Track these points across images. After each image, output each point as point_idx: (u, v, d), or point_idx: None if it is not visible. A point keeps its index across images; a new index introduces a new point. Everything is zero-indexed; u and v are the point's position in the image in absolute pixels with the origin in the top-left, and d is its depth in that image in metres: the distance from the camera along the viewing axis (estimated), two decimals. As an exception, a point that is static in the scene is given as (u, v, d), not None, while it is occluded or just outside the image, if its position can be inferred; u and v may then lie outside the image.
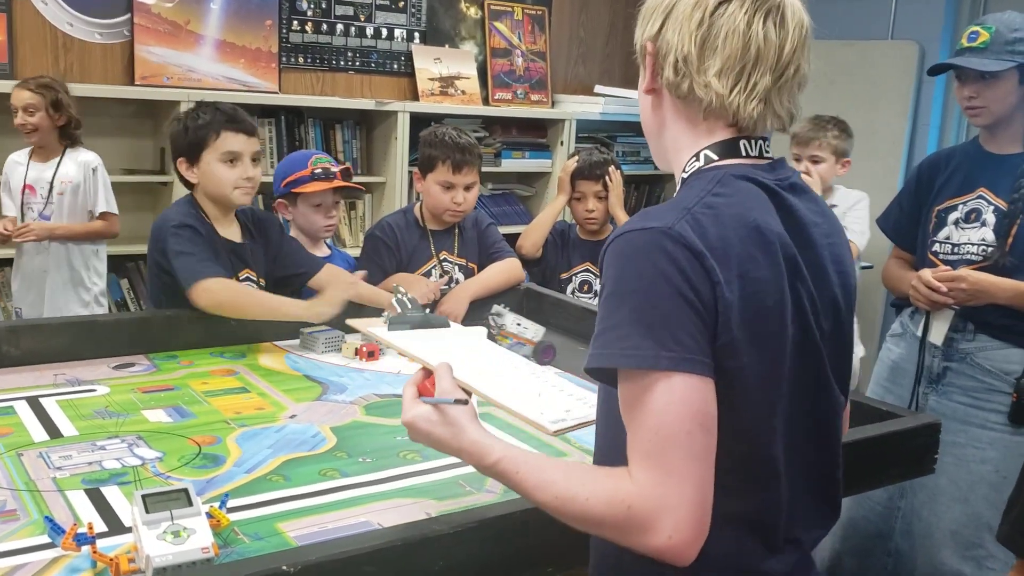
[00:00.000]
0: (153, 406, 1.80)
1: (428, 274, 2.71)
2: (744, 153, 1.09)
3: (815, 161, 3.23)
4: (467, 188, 2.68)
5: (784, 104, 1.08)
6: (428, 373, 1.20)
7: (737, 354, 0.97)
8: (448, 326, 1.52)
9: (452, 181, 2.65)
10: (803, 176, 3.24)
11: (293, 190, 2.60)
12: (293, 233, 2.71)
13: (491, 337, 2.23)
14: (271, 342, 2.28)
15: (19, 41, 3.57)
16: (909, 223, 2.49)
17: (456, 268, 2.74)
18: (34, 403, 1.78)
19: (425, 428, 1.12)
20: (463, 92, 4.57)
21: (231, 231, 2.34)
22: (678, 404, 0.93)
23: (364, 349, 2.19)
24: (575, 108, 4.77)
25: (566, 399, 1.27)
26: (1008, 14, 2.27)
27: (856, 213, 3.27)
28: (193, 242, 2.18)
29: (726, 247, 0.98)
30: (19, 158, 3.38)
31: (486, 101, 4.67)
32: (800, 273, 1.04)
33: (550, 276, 3.13)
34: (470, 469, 1.13)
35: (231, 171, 2.25)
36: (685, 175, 1.10)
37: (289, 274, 2.42)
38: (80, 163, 3.34)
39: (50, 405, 1.77)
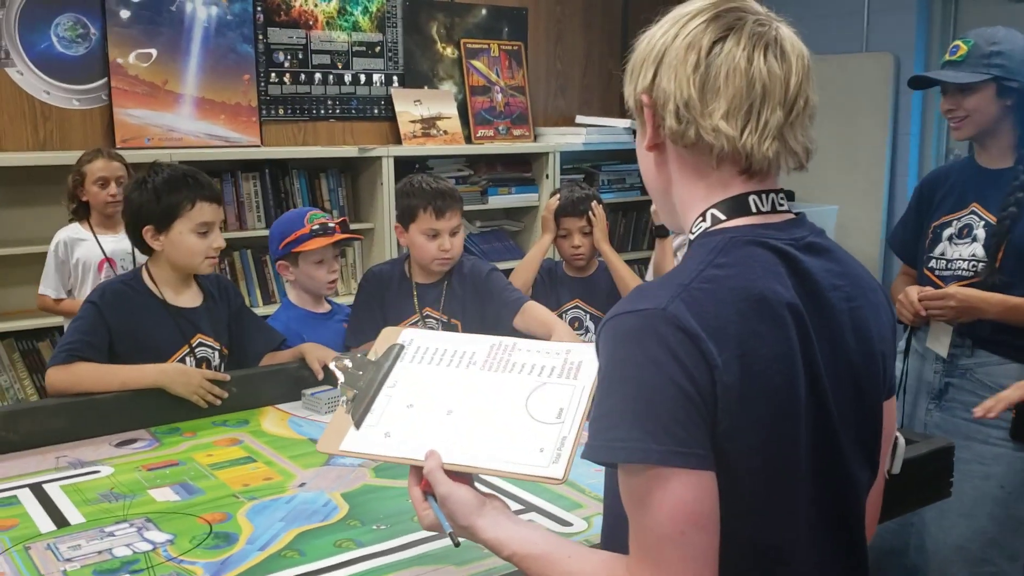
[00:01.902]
0: (159, 484, 1.77)
1: None
2: (755, 210, 1.02)
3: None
4: (452, 233, 2.59)
5: (799, 139, 1.02)
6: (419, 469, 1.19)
7: (741, 437, 0.92)
8: (401, 350, 1.41)
9: (436, 228, 2.56)
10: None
11: (294, 249, 2.57)
12: (296, 293, 2.69)
13: None
14: (273, 406, 2.26)
15: (-3, 113, 3.56)
16: (913, 240, 2.51)
17: (439, 325, 2.64)
18: (37, 490, 1.74)
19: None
20: (445, 132, 4.57)
21: (186, 297, 2.30)
22: (670, 502, 0.89)
23: (368, 407, 2.16)
24: (558, 140, 4.78)
25: (554, 390, 1.24)
26: (991, 29, 2.30)
27: None
28: (83, 320, 2.17)
29: (725, 325, 0.92)
30: (78, 233, 3.29)
31: (469, 139, 4.67)
32: (812, 343, 0.98)
33: None
34: None
35: (202, 241, 2.23)
36: (692, 236, 1.05)
37: (243, 348, 2.39)
38: None
39: (54, 491, 1.74)
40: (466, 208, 4.37)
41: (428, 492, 1.17)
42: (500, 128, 4.81)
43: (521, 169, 4.71)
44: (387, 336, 1.44)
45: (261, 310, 3.91)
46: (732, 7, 1.02)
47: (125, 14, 3.76)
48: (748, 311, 0.93)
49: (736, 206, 1.03)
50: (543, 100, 5.04)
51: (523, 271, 3.09)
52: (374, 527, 1.56)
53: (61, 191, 3.54)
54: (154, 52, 3.83)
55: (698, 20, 1.02)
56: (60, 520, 1.61)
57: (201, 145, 3.91)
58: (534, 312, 2.49)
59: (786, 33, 1.03)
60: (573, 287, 3.11)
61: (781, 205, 1.05)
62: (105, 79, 3.75)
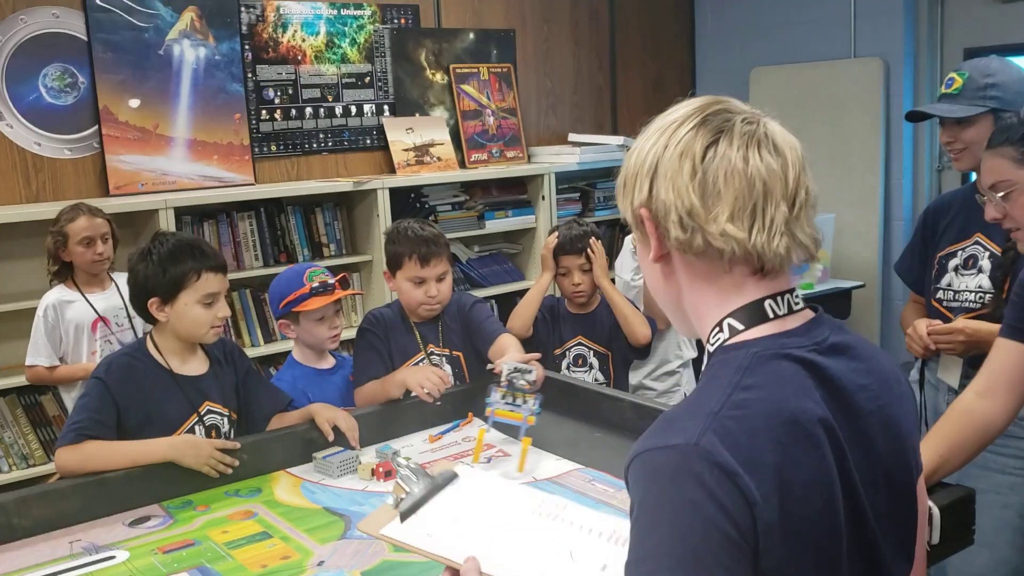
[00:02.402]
0: (177, 570, 1.76)
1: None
2: (772, 315, 1.01)
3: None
4: (439, 279, 2.60)
5: (806, 231, 1.00)
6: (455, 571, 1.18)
7: (785, 571, 0.89)
8: (455, 476, 1.46)
9: (422, 275, 2.58)
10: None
11: (294, 309, 2.56)
12: (299, 349, 2.68)
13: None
14: (284, 470, 2.24)
15: (-12, 168, 3.53)
16: (920, 269, 2.50)
17: (443, 360, 2.66)
18: (53, 583, 1.73)
19: None
20: (439, 159, 4.56)
21: (192, 364, 2.28)
22: None
23: (380, 469, 2.15)
24: (552, 159, 4.77)
25: (601, 548, 1.23)
26: (985, 60, 2.29)
27: None
28: (90, 397, 2.15)
29: (760, 456, 0.88)
30: (66, 295, 3.20)
31: (462, 164, 4.66)
32: (845, 455, 0.96)
33: (543, 353, 3.09)
34: None
35: (208, 312, 2.20)
36: (711, 348, 1.03)
37: (251, 412, 2.38)
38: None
39: (71, 583, 1.73)
40: (463, 234, 4.41)
41: None
42: (493, 151, 4.80)
43: (517, 191, 4.69)
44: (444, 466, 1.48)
45: (263, 349, 3.90)
46: (718, 109, 1.02)
47: (113, 60, 3.73)
48: (783, 437, 0.90)
49: (753, 314, 1.01)
50: (535, 120, 5.03)
51: (524, 310, 3.09)
52: (397, 613, 1.54)
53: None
54: (142, 98, 3.81)
55: (687, 127, 1.00)
56: (79, 618, 1.59)
57: (195, 187, 3.89)
58: (499, 342, 2.56)
59: (775, 128, 1.02)
60: (575, 324, 3.10)
61: (797, 305, 1.03)
62: (96, 127, 3.73)
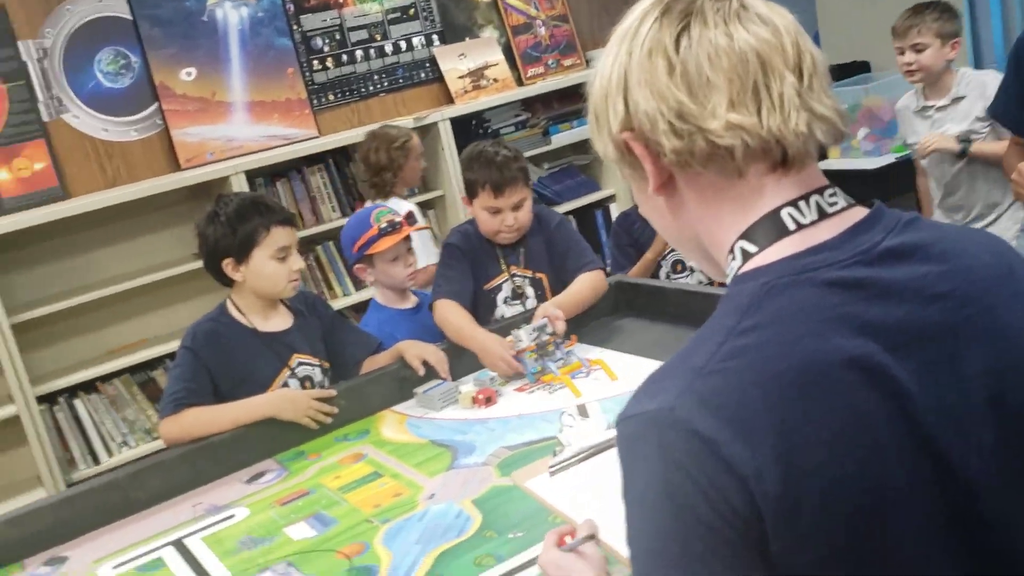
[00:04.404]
0: (294, 520, 1.80)
1: (499, 288, 2.61)
2: (793, 227, 0.80)
3: (918, 50, 3.08)
4: (515, 208, 2.51)
5: (825, 102, 0.81)
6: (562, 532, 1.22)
7: (807, 550, 0.72)
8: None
9: (496, 205, 2.50)
10: (906, 73, 3.14)
11: (366, 252, 2.56)
12: (380, 292, 2.69)
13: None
14: (389, 409, 2.27)
15: (63, 161, 3.61)
16: (1018, 107, 2.33)
17: (526, 282, 2.61)
18: (180, 547, 1.79)
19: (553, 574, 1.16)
20: (495, 80, 4.48)
21: (276, 320, 2.31)
22: None
23: (481, 396, 2.16)
24: (611, 62, 4.63)
25: None
26: None
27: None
28: (183, 368, 2.19)
29: (753, 417, 0.71)
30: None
31: (520, 81, 4.57)
32: (906, 396, 0.75)
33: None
34: None
35: (283, 266, 2.22)
36: (728, 279, 0.84)
37: (342, 358, 2.40)
38: None
39: (195, 545, 1.78)
40: (530, 152, 4.34)
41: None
42: (550, 62, 4.69)
43: (579, 100, 4.55)
44: None
45: (353, 298, 3.95)
46: None
47: (160, 35, 3.75)
48: (788, 389, 0.72)
49: (769, 229, 0.81)
50: (588, 22, 4.89)
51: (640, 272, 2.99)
52: (511, 535, 1.55)
53: (140, 225, 3.62)
54: (195, 67, 3.83)
55: (647, 23, 0.84)
56: (207, 578, 1.65)
57: (262, 148, 3.92)
58: (579, 280, 2.51)
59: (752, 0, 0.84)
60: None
61: (833, 205, 0.82)
62: (156, 104, 3.77)
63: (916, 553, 0.75)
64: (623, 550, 0.80)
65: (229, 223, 2.21)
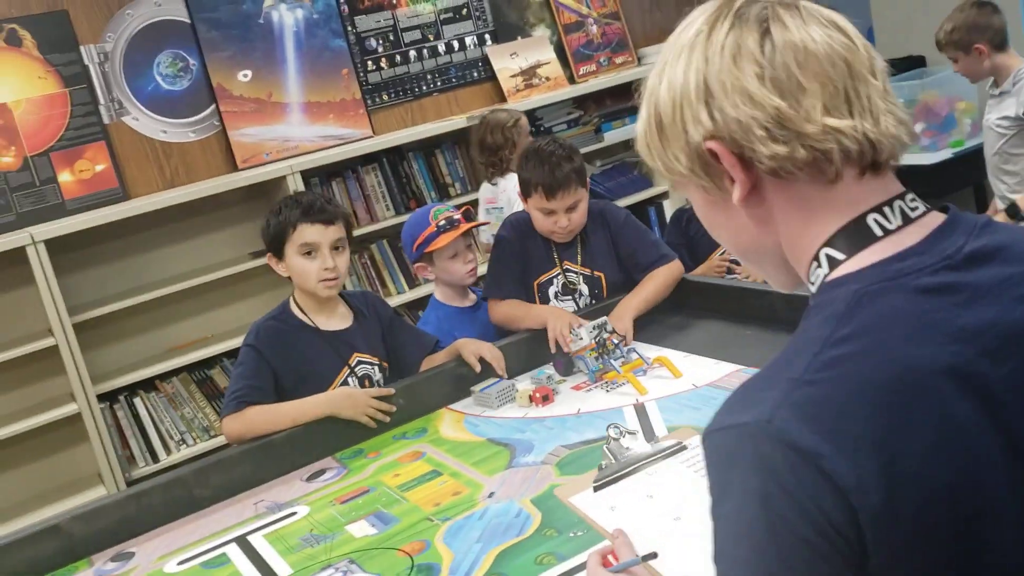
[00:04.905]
0: (355, 517, 1.81)
1: (550, 283, 2.59)
2: (880, 231, 0.79)
3: (955, 60, 3.18)
4: (569, 209, 2.48)
5: (899, 105, 0.81)
6: (608, 550, 1.24)
7: (906, 563, 0.71)
8: (685, 449, 1.57)
9: (549, 207, 2.48)
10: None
11: (426, 250, 2.56)
12: (440, 290, 2.69)
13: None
14: (446, 407, 2.27)
15: (124, 163, 3.68)
16: None
17: (580, 279, 2.59)
18: (243, 543, 1.81)
19: None
20: (547, 79, 4.47)
21: (336, 319, 2.33)
22: None
23: (538, 395, 2.15)
24: (664, 59, 4.59)
25: None
26: None
27: None
28: (246, 366, 2.22)
29: (856, 428, 0.70)
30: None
31: (572, 80, 4.56)
32: (1000, 404, 0.73)
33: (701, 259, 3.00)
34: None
35: (311, 263, 2.23)
36: (813, 287, 0.83)
37: (401, 358, 2.42)
38: None
39: (258, 542, 1.80)
40: (583, 150, 4.26)
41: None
42: (601, 60, 4.67)
43: (631, 98, 4.51)
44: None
45: (408, 295, 3.96)
46: (742, 2, 0.82)
47: (218, 38, 3.80)
48: (890, 397, 0.71)
49: (855, 236, 0.80)
50: (640, 20, 4.86)
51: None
52: (571, 535, 1.54)
53: (199, 225, 3.67)
54: (252, 69, 3.87)
55: (721, 30, 0.81)
56: (270, 574, 1.66)
57: (317, 148, 3.95)
58: (653, 276, 2.50)
59: (810, 4, 0.83)
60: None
61: (915, 210, 0.81)
62: (213, 106, 3.82)
63: (1015, 562, 0.74)
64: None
65: (268, 219, 2.28)
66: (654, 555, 1.23)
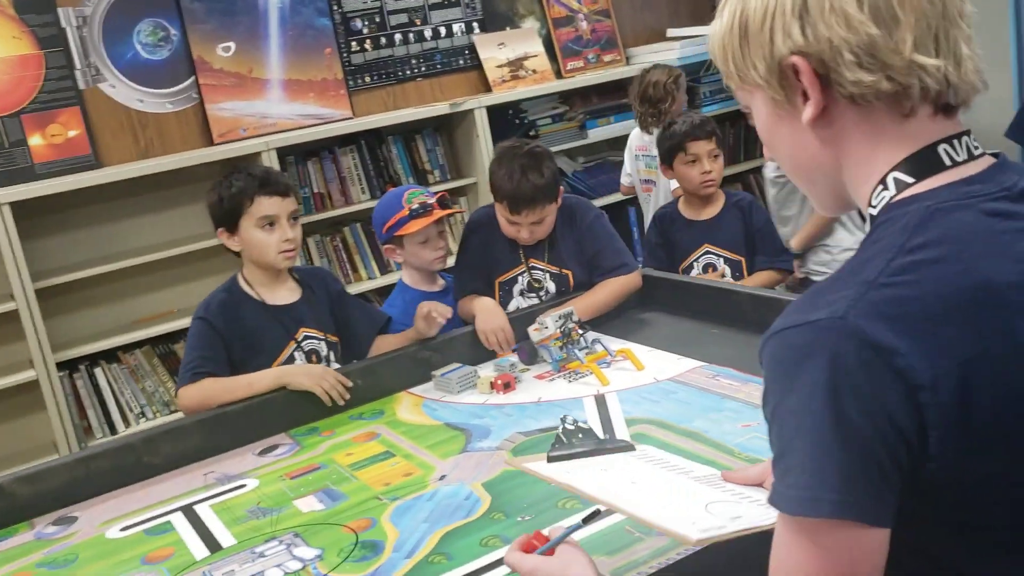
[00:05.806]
0: (303, 493, 1.78)
1: (515, 280, 2.57)
2: (949, 162, 0.82)
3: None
4: (535, 222, 2.43)
5: (978, 53, 0.84)
6: (527, 538, 1.20)
7: (974, 465, 0.75)
8: (633, 449, 1.54)
9: (515, 220, 2.44)
10: None
11: (396, 233, 2.52)
12: (408, 273, 2.66)
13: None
14: (406, 391, 2.24)
15: (97, 129, 3.62)
16: None
17: (547, 276, 2.55)
18: (189, 512, 1.78)
19: None
20: (534, 71, 4.45)
21: (282, 294, 2.32)
22: (858, 555, 0.75)
23: (499, 381, 2.13)
24: (651, 58, 4.57)
25: (737, 511, 1.18)
26: None
27: None
28: (198, 338, 2.20)
29: (933, 328, 0.73)
30: None
31: (559, 74, 4.53)
32: None
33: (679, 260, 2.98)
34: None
35: (270, 235, 2.23)
36: (874, 211, 0.85)
37: (350, 333, 2.39)
38: None
39: (204, 512, 1.77)
40: (566, 146, 4.31)
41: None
42: (589, 57, 4.65)
43: (617, 96, 4.53)
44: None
45: (378, 281, 3.93)
46: None
47: (201, 10, 3.75)
48: (967, 305, 0.75)
49: (925, 163, 0.82)
50: (629, 18, 4.84)
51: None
52: (518, 519, 1.52)
53: (171, 197, 3.62)
54: (233, 43, 3.83)
55: None
56: (213, 544, 1.63)
57: (295, 127, 3.91)
58: (606, 283, 2.47)
59: None
60: (695, 233, 2.94)
61: (977, 149, 0.85)
62: (192, 78, 3.77)
63: None
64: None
65: (219, 194, 2.25)
66: (597, 512, 1.19)
